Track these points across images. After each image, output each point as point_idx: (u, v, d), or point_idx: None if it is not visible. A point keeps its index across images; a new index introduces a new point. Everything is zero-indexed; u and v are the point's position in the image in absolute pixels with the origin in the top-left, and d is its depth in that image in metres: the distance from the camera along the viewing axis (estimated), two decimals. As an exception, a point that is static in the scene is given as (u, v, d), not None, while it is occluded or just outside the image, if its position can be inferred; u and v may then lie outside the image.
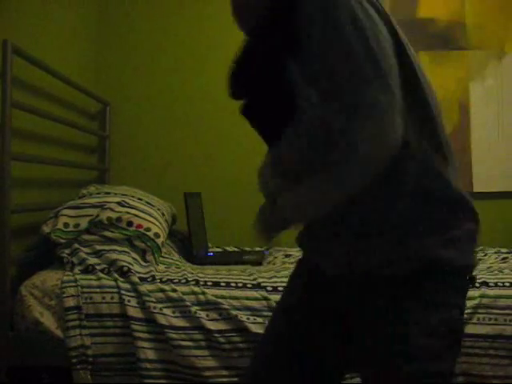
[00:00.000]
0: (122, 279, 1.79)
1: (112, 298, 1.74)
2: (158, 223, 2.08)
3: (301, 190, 0.86)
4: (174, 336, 1.66)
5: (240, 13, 0.99)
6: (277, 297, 1.71)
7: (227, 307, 1.70)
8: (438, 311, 0.85)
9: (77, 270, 1.84)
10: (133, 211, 2.03)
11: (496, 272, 1.86)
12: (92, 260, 1.87)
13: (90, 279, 1.79)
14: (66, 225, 1.94)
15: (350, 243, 0.89)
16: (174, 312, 1.70)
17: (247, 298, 1.72)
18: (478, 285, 1.69)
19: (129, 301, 1.72)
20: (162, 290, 1.74)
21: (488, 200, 2.75)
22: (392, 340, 0.86)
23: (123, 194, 2.15)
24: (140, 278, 1.79)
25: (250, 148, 2.85)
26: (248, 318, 1.68)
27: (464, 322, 0.99)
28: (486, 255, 2.30)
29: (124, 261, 1.86)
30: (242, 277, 1.83)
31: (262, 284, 1.76)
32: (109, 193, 2.18)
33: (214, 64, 2.89)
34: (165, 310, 1.70)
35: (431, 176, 0.86)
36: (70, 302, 1.72)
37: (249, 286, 1.76)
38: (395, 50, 0.82)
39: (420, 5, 2.86)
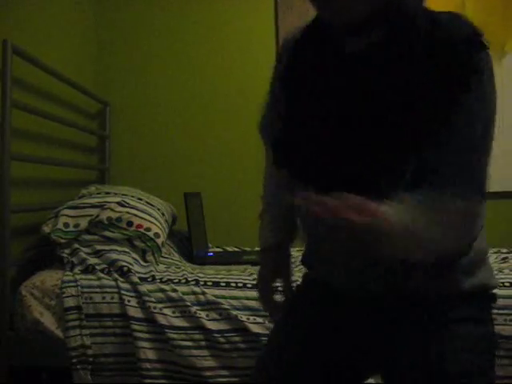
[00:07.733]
0: (122, 279, 1.79)
1: (112, 297, 1.75)
2: (158, 223, 2.09)
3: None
4: (173, 336, 1.67)
5: None
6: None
7: (227, 307, 1.70)
8: (478, 326, 0.90)
9: (77, 270, 1.84)
10: (133, 211, 2.04)
11: (496, 272, 1.86)
12: (92, 260, 1.87)
13: (90, 279, 1.79)
14: (66, 225, 1.94)
15: (422, 274, 0.87)
16: (174, 312, 1.70)
17: (247, 298, 1.72)
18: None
19: (129, 301, 1.72)
20: (162, 290, 1.74)
21: (488, 200, 2.73)
22: (432, 355, 0.86)
23: (123, 194, 2.15)
24: (140, 278, 1.79)
25: (250, 148, 2.85)
26: (248, 318, 1.68)
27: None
28: (485, 255, 2.30)
29: (124, 261, 1.86)
30: (242, 277, 1.83)
31: (262, 284, 1.76)
32: (109, 193, 2.18)
33: (214, 64, 2.89)
34: (165, 310, 1.70)
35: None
36: (70, 302, 1.73)
37: (249, 285, 1.76)
38: None
39: (420, 5, 2.86)
